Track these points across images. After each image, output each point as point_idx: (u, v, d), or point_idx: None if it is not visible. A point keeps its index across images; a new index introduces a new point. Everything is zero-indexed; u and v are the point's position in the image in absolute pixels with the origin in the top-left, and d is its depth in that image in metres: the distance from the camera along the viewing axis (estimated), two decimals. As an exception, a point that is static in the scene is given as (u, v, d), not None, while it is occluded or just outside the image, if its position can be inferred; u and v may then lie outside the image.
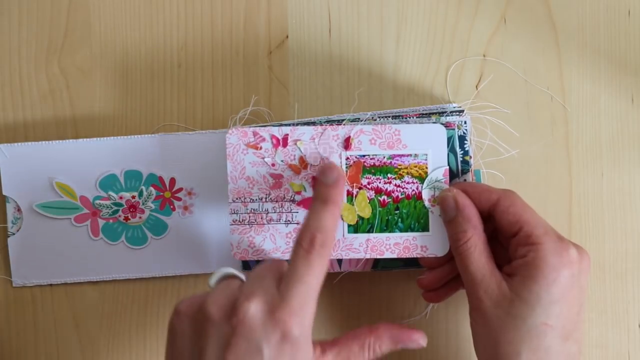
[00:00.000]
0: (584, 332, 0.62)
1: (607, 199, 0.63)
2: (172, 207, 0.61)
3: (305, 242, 0.51)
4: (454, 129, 0.58)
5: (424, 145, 0.56)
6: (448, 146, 0.57)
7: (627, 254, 0.63)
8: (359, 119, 0.59)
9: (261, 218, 0.57)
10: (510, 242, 0.53)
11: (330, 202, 0.53)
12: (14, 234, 0.61)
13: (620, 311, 0.63)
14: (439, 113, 0.59)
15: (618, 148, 0.63)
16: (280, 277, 0.52)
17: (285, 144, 0.56)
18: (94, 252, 0.61)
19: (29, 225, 0.61)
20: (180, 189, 0.61)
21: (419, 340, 0.55)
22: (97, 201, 0.60)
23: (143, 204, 0.61)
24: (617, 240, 0.63)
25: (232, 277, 0.54)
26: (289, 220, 0.56)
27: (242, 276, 0.54)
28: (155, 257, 0.61)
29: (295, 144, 0.56)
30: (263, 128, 0.57)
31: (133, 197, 0.61)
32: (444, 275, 0.57)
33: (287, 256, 0.56)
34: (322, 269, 0.51)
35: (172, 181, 0.61)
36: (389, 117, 0.60)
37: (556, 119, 0.63)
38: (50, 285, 0.62)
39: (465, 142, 0.58)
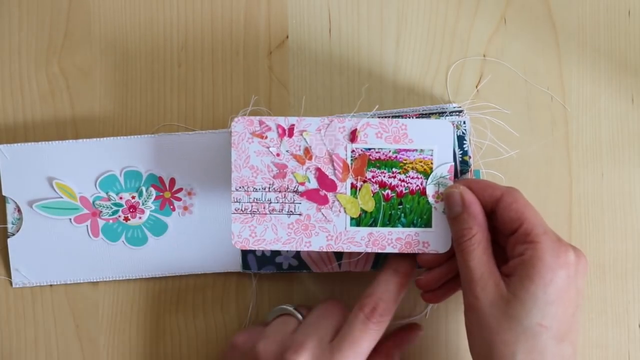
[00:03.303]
0: (580, 333, 0.62)
1: (607, 199, 0.63)
2: (172, 207, 0.61)
3: (367, 308, 0.54)
4: (453, 129, 0.58)
5: (430, 141, 0.56)
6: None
7: (627, 254, 0.63)
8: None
9: (264, 208, 0.56)
10: (509, 240, 0.53)
11: (402, 274, 0.56)
12: (13, 234, 0.61)
13: (620, 311, 0.63)
14: (439, 113, 0.59)
15: (618, 148, 0.63)
16: (337, 327, 0.55)
17: (291, 134, 0.56)
18: (94, 253, 0.61)
19: (28, 225, 0.61)
20: (180, 189, 0.61)
21: (418, 334, 0.60)
22: (97, 201, 0.60)
23: (143, 204, 0.61)
24: (617, 240, 0.63)
25: (290, 314, 0.57)
26: (291, 211, 0.56)
27: (299, 315, 0.57)
28: (155, 257, 0.61)
29: (301, 134, 0.56)
30: (269, 117, 0.56)
31: (133, 197, 0.61)
32: (443, 276, 0.56)
33: (287, 247, 0.56)
34: (377, 335, 0.54)
35: (172, 181, 0.61)
36: (389, 117, 0.60)
37: (556, 119, 0.63)
38: (50, 285, 0.62)
39: (465, 142, 0.58)
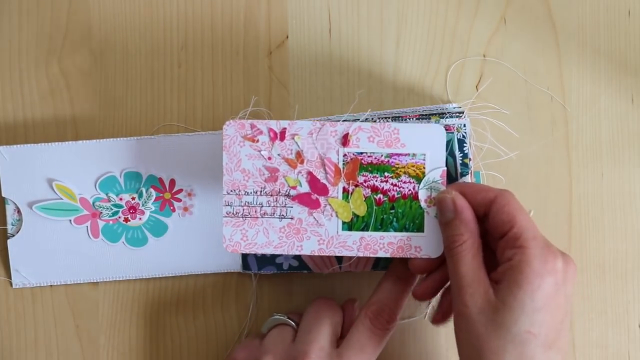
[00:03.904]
0: (580, 333, 0.62)
1: (607, 199, 0.63)
2: (172, 208, 0.61)
3: (373, 315, 0.55)
4: (453, 132, 0.58)
5: (423, 146, 0.55)
6: (447, 149, 0.57)
7: (627, 254, 0.63)
8: (358, 119, 0.59)
9: (255, 211, 0.56)
10: (499, 244, 0.52)
11: (405, 280, 0.56)
12: (13, 235, 0.61)
13: (620, 311, 0.63)
14: (439, 114, 0.59)
15: (618, 148, 0.63)
16: (335, 327, 0.56)
17: (282, 138, 0.55)
18: (94, 253, 0.61)
19: (28, 226, 0.61)
20: (180, 190, 0.61)
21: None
22: (97, 202, 0.60)
23: (143, 205, 0.61)
24: (617, 240, 0.63)
25: (284, 323, 0.58)
26: (283, 215, 0.56)
27: (293, 324, 0.57)
28: (155, 257, 0.61)
29: (293, 138, 0.55)
30: (261, 121, 0.55)
31: (133, 198, 0.61)
32: (437, 284, 0.55)
33: (279, 251, 0.56)
34: (383, 342, 0.55)
35: (172, 182, 0.61)
36: (389, 117, 0.60)
37: (556, 119, 0.63)
38: (51, 285, 0.62)
39: (465, 144, 0.58)
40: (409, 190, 0.55)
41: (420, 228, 0.55)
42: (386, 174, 0.55)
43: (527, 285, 0.49)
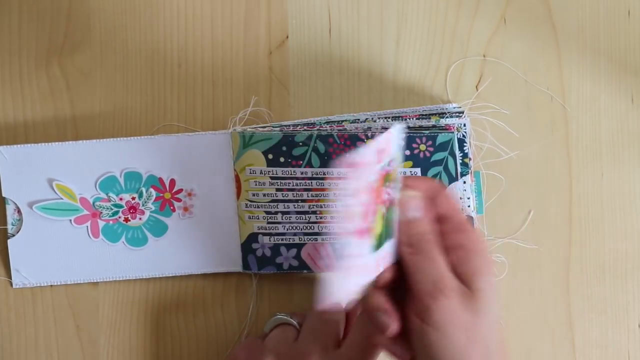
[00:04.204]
0: (580, 333, 0.62)
1: (607, 199, 0.63)
2: (172, 208, 0.61)
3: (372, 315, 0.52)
4: (453, 132, 0.58)
5: (396, 148, 0.47)
6: (447, 149, 0.56)
7: (627, 254, 0.63)
8: (358, 119, 0.59)
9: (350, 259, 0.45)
10: (441, 229, 0.49)
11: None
12: (13, 235, 0.61)
13: (620, 311, 0.63)
14: (439, 114, 0.59)
15: (618, 148, 0.63)
16: (337, 328, 0.55)
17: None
18: (94, 253, 0.61)
19: (28, 226, 0.61)
20: (180, 190, 0.61)
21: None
22: (97, 202, 0.60)
23: (143, 205, 0.61)
24: (617, 240, 0.63)
25: (286, 323, 0.58)
26: (352, 256, 0.45)
27: (296, 323, 0.57)
28: (155, 257, 0.61)
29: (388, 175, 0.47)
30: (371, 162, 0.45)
31: (133, 198, 0.61)
32: (387, 294, 0.49)
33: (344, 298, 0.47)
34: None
35: (172, 182, 0.61)
36: (389, 117, 0.59)
37: (556, 119, 0.63)
38: (51, 285, 0.62)
39: (465, 144, 0.58)
40: (392, 195, 0.48)
41: (392, 233, 0.48)
42: (387, 183, 0.47)
43: (489, 269, 0.48)
